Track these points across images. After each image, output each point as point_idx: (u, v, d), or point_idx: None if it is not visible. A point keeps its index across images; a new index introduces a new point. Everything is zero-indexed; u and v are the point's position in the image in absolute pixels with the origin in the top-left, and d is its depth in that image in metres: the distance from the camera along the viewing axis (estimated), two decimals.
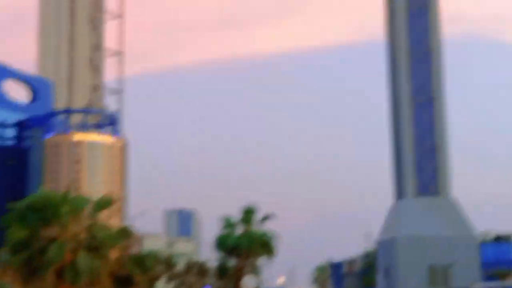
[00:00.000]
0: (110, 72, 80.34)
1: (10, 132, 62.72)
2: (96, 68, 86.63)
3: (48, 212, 24.94)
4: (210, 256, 47.05)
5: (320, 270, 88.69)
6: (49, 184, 52.75)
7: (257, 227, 45.95)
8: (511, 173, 72.41)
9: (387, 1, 49.66)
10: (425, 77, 46.19)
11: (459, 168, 46.51)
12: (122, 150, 62.24)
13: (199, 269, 51.84)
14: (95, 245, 24.74)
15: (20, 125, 63.84)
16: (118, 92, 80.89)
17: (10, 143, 62.22)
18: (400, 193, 45.61)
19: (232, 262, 44.00)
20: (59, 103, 73.81)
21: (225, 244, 44.88)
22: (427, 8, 46.29)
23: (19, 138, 63.05)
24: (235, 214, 48.03)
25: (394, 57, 47.63)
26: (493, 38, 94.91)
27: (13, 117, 63.52)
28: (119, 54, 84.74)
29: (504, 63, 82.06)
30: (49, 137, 59.85)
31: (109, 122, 67.27)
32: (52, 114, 64.68)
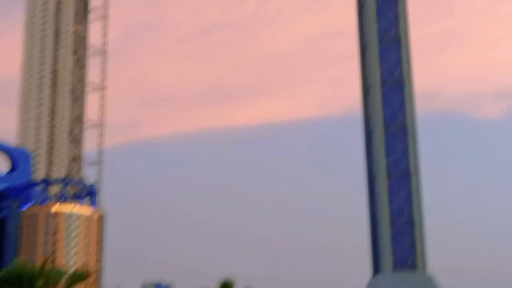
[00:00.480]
0: (90, 143, 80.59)
1: None
2: (76, 139, 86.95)
3: (23, 285, 24.83)
4: None
5: None
6: (26, 255, 52.23)
7: None
8: (488, 247, 72.65)
9: (362, 77, 50.72)
10: (401, 152, 46.84)
11: (436, 243, 46.70)
12: (100, 222, 61.93)
13: None
14: None
15: None
16: (98, 163, 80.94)
17: None
18: (377, 268, 45.62)
19: None
20: (39, 173, 73.67)
21: None
22: (402, 84, 47.34)
23: None
24: (213, 287, 47.64)
25: (370, 132, 48.39)
26: (468, 114, 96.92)
27: None
28: (99, 125, 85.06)
29: (478, 138, 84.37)
30: (27, 208, 59.55)
31: (88, 193, 67.23)
32: (31, 184, 64.48)
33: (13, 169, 65.80)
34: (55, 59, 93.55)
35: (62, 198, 62.82)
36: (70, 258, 54.64)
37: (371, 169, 48.14)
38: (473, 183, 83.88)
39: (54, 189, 67.69)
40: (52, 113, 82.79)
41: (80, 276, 27.10)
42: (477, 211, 78.04)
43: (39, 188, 64.44)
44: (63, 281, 26.45)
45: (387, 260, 44.10)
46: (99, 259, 60.56)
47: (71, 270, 28.52)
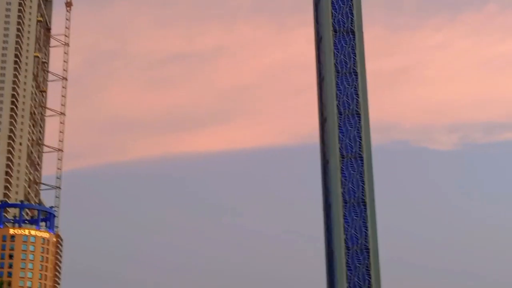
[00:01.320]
0: (49, 168, 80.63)
1: None
2: (34, 163, 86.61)
3: None
4: None
5: None
6: None
7: None
8: (440, 267, 74.43)
9: (320, 108, 52.12)
10: (356, 181, 48.16)
11: (390, 270, 48.00)
12: (57, 245, 61.91)
13: None
14: None
15: None
16: (56, 187, 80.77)
17: None
18: None
19: None
20: None
21: None
22: (358, 116, 48.84)
23: None
24: None
25: (326, 161, 49.69)
26: (421, 146, 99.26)
27: None
28: (58, 150, 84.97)
29: (429, 168, 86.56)
30: None
31: (45, 217, 67.12)
32: None
33: None
34: (15, 83, 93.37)
35: (19, 221, 62.61)
36: (27, 281, 54.47)
37: (327, 198, 49.43)
38: (425, 210, 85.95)
39: (12, 212, 67.52)
40: (11, 137, 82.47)
41: None
42: (429, 237, 79.90)
43: None
44: None
45: (342, 286, 45.17)
46: (55, 283, 60.42)
47: None
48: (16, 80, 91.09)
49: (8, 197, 78.64)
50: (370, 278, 45.42)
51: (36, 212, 66.97)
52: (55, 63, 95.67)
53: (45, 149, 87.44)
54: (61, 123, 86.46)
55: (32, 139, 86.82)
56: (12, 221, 66.48)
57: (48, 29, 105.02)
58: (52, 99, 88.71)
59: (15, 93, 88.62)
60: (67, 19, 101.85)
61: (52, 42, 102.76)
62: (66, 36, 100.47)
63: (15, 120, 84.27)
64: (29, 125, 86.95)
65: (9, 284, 51.67)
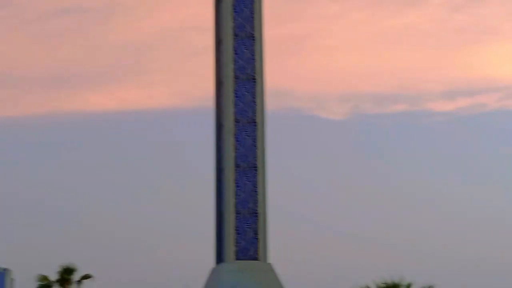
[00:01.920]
0: None
1: None
2: None
3: None
4: None
5: None
6: None
7: None
8: (326, 241, 76.12)
9: (216, 71, 51.67)
10: (249, 146, 48.18)
11: (278, 235, 48.48)
12: None
13: None
14: None
15: None
16: None
17: None
18: (220, 258, 46.74)
19: None
20: None
21: None
22: (254, 81, 48.72)
23: None
24: (53, 274, 47.07)
25: (220, 125, 49.44)
26: (313, 114, 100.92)
27: None
28: None
29: (320, 136, 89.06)
30: None
31: None
32: None
33: None
34: None
35: None
36: None
37: (220, 162, 49.27)
38: (315, 180, 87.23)
39: None
40: None
41: None
42: (316, 205, 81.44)
43: None
44: None
45: (230, 249, 45.33)
46: None
47: None
48: None
49: None
50: (258, 242, 45.84)
51: None
52: None
53: None
54: None
55: None
56: None
57: None
58: None
59: None
60: None
61: None
62: None
63: None
64: None
65: None
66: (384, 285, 39.59)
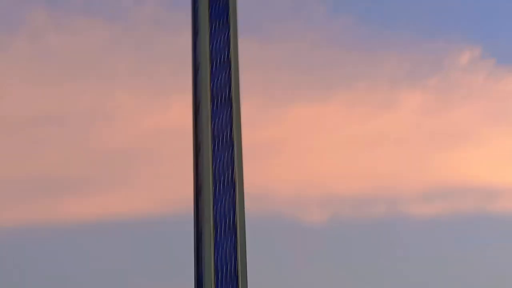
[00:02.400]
0: None
1: None
2: None
3: None
4: None
5: None
6: None
7: None
8: None
9: (195, 177, 51.37)
10: (229, 253, 47.41)
11: None
12: None
13: None
14: None
15: None
16: None
17: None
18: None
19: None
20: None
21: None
22: (233, 185, 48.41)
23: None
24: None
25: (200, 231, 48.74)
26: (293, 218, 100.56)
27: None
28: None
29: (300, 241, 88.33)
30: None
31: None
32: None
33: None
34: None
35: None
36: None
37: (199, 270, 48.32)
38: (295, 284, 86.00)
39: None
40: None
41: None
42: None
43: None
44: None
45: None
46: None
47: None
48: None
49: None
50: None
51: None
52: None
53: None
54: None
55: None
56: None
57: None
58: None
59: None
60: None
61: None
62: None
63: None
64: None
65: None
66: None
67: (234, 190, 50.38)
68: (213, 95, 49.59)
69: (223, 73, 50.12)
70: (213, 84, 49.78)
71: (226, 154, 51.28)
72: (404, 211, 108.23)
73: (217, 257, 47.47)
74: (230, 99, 49.28)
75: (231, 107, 50.15)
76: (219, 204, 49.40)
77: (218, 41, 52.04)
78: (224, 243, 48.50)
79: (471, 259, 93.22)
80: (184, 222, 55.19)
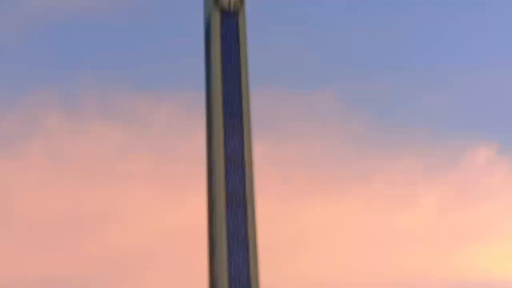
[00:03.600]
0: None
1: None
2: None
3: None
4: None
5: None
6: None
7: None
8: None
9: (209, 277, 50.96)
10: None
11: None
12: None
13: None
14: None
15: None
16: None
17: None
18: None
19: None
20: None
21: None
22: (249, 286, 47.93)
23: None
24: None
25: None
26: None
27: None
28: None
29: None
30: None
31: None
32: None
33: None
34: None
35: None
36: None
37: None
38: None
39: None
40: None
41: None
42: None
43: None
44: None
45: None
46: None
47: None
48: None
49: None
50: None
51: None
52: None
53: None
54: None
55: None
56: None
57: None
58: None
59: None
60: None
61: None
62: None
63: None
64: None
65: None
66: None
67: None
68: (228, 195, 49.63)
69: (238, 173, 50.33)
70: (228, 184, 49.91)
71: (241, 254, 50.76)
72: None
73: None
74: (245, 199, 49.30)
75: (246, 208, 50.01)
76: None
77: (233, 141, 52.50)
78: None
79: None
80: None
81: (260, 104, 53.54)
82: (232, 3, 50.60)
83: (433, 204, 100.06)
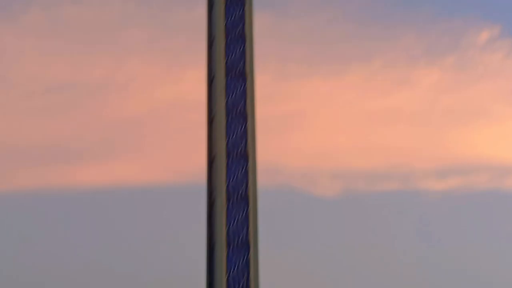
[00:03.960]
0: None
1: None
2: None
3: None
4: None
5: None
6: None
7: None
8: None
9: (208, 148, 52.05)
10: (241, 223, 48.19)
11: None
12: None
13: None
14: None
15: None
16: None
17: None
18: None
19: None
20: None
21: None
22: (246, 157, 49.06)
23: None
24: None
25: (213, 201, 49.54)
26: (305, 191, 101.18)
27: None
28: None
29: (312, 214, 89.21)
30: None
31: None
32: None
33: None
34: None
35: None
36: None
37: (211, 238, 49.18)
38: (306, 257, 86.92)
39: None
40: None
41: None
42: (307, 281, 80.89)
43: None
44: None
45: None
46: None
47: None
48: None
49: None
50: None
51: None
52: None
53: None
54: None
55: None
56: None
57: None
58: None
59: None
60: None
61: None
62: None
63: None
64: None
65: None
66: None
67: (247, 163, 51.02)
68: (228, 68, 50.12)
69: (238, 46, 50.61)
70: (228, 57, 50.30)
71: (240, 127, 51.84)
72: (418, 187, 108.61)
73: (229, 227, 48.24)
74: (244, 72, 49.83)
75: (245, 81, 50.66)
76: (231, 176, 50.08)
77: (234, 14, 52.44)
78: (236, 214, 49.28)
79: (483, 235, 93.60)
80: (197, 192, 55.94)
81: None
82: None
83: (431, 85, 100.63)
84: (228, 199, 48.22)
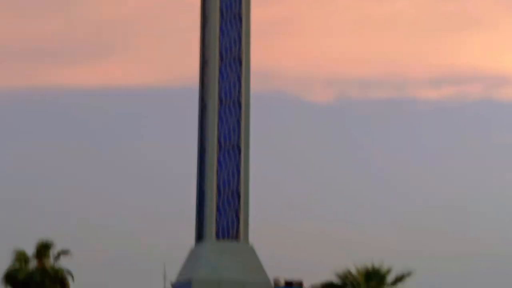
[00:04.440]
0: None
1: None
2: None
3: None
4: None
5: None
6: None
7: (52, 263, 45.11)
8: (306, 221, 76.39)
9: (201, 50, 51.36)
10: (232, 126, 48.05)
11: (259, 215, 48.48)
12: None
13: None
14: None
15: None
16: None
17: None
18: (200, 237, 46.72)
19: None
20: None
21: (15, 278, 43.73)
22: (239, 61, 48.48)
23: None
24: (29, 248, 46.91)
25: (205, 104, 49.26)
26: (298, 96, 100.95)
27: None
28: None
29: (304, 119, 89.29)
30: None
31: None
32: None
33: None
34: None
35: None
36: None
37: (203, 141, 49.16)
38: (298, 162, 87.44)
39: None
40: None
41: None
42: (298, 187, 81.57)
43: None
44: None
45: (211, 228, 45.30)
46: None
47: None
48: None
49: None
50: (238, 222, 45.82)
51: None
52: None
53: None
54: None
55: None
56: None
57: None
58: None
59: None
60: None
61: None
62: None
63: None
64: None
65: None
66: (364, 270, 39.58)
67: (240, 66, 50.46)
68: None
69: None
70: None
71: (234, 29, 50.92)
72: (412, 94, 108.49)
73: (220, 130, 48.18)
74: None
75: None
76: (224, 79, 49.60)
77: None
78: (228, 118, 49.07)
79: (475, 145, 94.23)
80: (189, 95, 55.67)
81: None
82: None
83: None
84: (220, 103, 47.96)
